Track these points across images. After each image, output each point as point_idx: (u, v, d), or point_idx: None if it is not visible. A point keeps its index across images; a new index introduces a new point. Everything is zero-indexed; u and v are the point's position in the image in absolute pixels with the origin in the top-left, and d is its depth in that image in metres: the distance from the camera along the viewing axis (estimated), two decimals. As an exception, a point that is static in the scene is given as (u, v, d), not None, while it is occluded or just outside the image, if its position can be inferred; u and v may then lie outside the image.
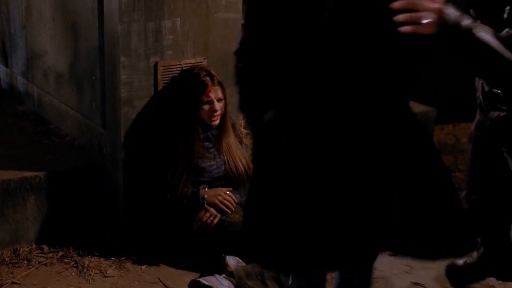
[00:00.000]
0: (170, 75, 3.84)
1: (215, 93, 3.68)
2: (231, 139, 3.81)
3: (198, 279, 3.35)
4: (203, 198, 3.67)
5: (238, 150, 3.83)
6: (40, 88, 4.75)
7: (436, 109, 5.42)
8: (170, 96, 3.74)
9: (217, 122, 3.72)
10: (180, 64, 3.88)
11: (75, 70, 4.24)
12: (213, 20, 3.97)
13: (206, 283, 3.30)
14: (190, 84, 3.67)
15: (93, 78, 4.05)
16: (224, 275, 3.40)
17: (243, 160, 3.83)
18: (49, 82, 4.60)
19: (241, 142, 3.96)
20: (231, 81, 4.11)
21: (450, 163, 5.42)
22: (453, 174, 5.19)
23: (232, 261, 3.57)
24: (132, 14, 3.67)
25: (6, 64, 5.31)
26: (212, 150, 3.76)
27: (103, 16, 3.82)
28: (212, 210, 3.69)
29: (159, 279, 3.56)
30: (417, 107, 5.41)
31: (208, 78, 3.69)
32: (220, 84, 3.73)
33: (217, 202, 3.68)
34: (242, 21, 6.25)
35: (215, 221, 3.68)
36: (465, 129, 6.17)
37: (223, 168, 3.78)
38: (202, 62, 3.96)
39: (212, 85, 3.68)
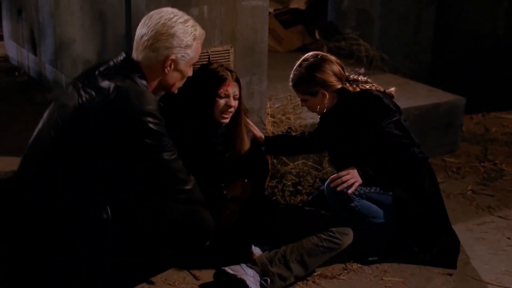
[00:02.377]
0: (197, 63, 3.82)
1: (233, 89, 3.60)
2: (243, 136, 3.76)
3: (223, 268, 3.35)
4: (225, 194, 3.68)
5: (247, 146, 3.80)
6: (68, 76, 4.79)
7: (465, 98, 5.37)
8: (186, 89, 3.68)
9: (226, 120, 3.63)
10: (207, 52, 3.87)
11: (103, 58, 4.25)
12: (240, 8, 3.96)
13: (231, 272, 3.31)
14: (209, 77, 3.58)
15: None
16: (249, 264, 3.40)
17: (256, 156, 3.83)
18: (77, 70, 4.62)
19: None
20: (257, 69, 4.14)
21: (479, 152, 5.37)
22: (482, 164, 5.14)
23: (258, 251, 3.58)
24: (160, 2, 3.67)
25: (35, 53, 5.36)
26: (220, 146, 3.71)
27: (130, 4, 3.82)
28: (231, 208, 3.69)
29: (185, 268, 3.57)
30: (446, 96, 5.38)
31: (228, 73, 3.60)
32: (238, 81, 3.65)
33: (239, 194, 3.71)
34: (269, 10, 6.24)
35: (235, 218, 3.69)
36: (495, 118, 6.12)
37: (232, 164, 3.76)
38: (229, 50, 3.95)
39: (231, 80, 3.60)
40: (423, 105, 5.15)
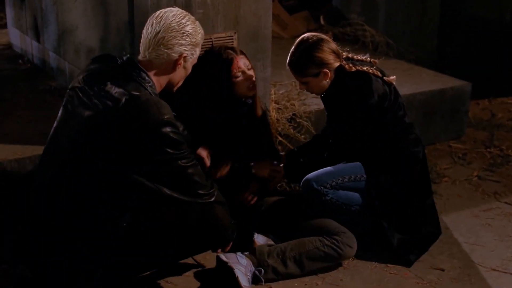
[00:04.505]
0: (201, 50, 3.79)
1: (243, 61, 3.59)
2: (260, 109, 3.75)
3: (218, 254, 3.34)
4: (253, 173, 3.68)
5: (267, 124, 3.81)
6: (71, 64, 4.77)
7: (471, 84, 5.33)
8: (196, 80, 3.57)
9: (255, 90, 3.63)
10: (211, 38, 3.84)
11: (106, 45, 4.23)
12: (244, -6, 3.93)
13: (224, 259, 3.29)
14: (217, 63, 3.56)
15: (123, 53, 4.02)
16: (247, 253, 3.38)
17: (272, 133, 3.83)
18: (80, 57, 4.60)
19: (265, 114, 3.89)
20: (261, 55, 4.12)
21: (485, 138, 5.34)
22: (488, 149, 5.11)
23: (261, 239, 3.55)
24: (162, -12, 3.64)
25: (38, 40, 5.34)
26: (246, 125, 3.71)
27: (133, -9, 3.79)
28: (254, 188, 3.70)
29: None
30: (452, 82, 5.34)
31: (230, 51, 3.60)
32: (244, 53, 3.64)
33: (266, 175, 3.69)
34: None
35: (253, 201, 3.69)
36: (501, 104, 6.09)
37: (257, 142, 3.75)
38: (232, 36, 3.93)
39: (237, 55, 3.59)
40: (429, 90, 5.11)
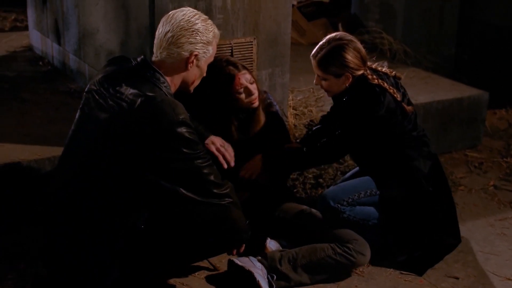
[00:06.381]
0: (220, 55, 3.82)
1: (244, 77, 3.57)
2: (261, 120, 3.71)
3: (232, 259, 3.35)
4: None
5: (263, 129, 3.74)
6: (91, 66, 4.81)
7: (488, 93, 5.33)
8: (202, 91, 3.45)
9: (257, 103, 3.63)
10: (230, 44, 3.87)
11: (126, 48, 4.27)
12: (264, 0, 3.95)
13: (239, 263, 3.29)
14: (219, 79, 3.53)
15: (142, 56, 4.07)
16: (259, 257, 3.39)
17: (271, 139, 3.78)
18: (100, 60, 4.64)
19: (277, 120, 3.86)
20: (280, 61, 4.14)
21: (501, 148, 5.33)
22: (505, 159, 5.11)
23: (273, 245, 3.56)
24: (183, -7, 3.67)
25: (59, 42, 5.39)
26: (242, 131, 3.69)
27: (154, -5, 3.83)
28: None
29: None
30: (469, 91, 5.34)
31: (231, 67, 3.57)
32: (245, 67, 3.61)
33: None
34: (293, 2, 6.21)
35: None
36: (518, 114, 6.06)
37: (252, 148, 3.72)
38: (251, 41, 3.95)
39: (238, 72, 3.56)
40: (446, 99, 5.12)
